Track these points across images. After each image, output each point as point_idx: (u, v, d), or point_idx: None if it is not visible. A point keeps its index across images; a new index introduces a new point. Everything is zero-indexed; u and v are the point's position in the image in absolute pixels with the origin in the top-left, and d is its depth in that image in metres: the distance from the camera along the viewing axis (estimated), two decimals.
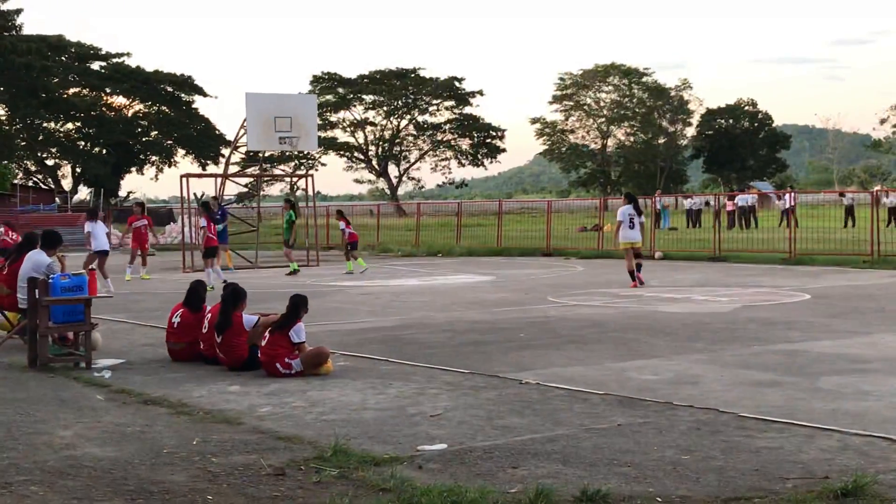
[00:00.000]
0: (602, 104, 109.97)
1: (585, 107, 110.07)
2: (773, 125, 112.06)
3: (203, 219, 23.75)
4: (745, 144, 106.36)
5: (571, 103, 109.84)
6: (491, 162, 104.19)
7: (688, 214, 51.08)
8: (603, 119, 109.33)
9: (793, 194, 36.40)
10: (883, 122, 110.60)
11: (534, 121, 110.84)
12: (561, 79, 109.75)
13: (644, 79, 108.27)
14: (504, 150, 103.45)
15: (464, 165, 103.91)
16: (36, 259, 12.64)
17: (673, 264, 27.99)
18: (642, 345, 12.63)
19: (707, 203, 50.10)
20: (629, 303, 17.85)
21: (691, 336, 13.37)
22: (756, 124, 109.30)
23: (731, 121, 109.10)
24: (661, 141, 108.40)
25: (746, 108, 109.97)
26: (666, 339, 13.06)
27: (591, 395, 9.34)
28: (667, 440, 7.57)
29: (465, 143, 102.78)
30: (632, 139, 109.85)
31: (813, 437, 7.62)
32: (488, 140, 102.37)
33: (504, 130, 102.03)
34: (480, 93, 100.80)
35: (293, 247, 27.47)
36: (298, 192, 47.46)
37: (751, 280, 22.35)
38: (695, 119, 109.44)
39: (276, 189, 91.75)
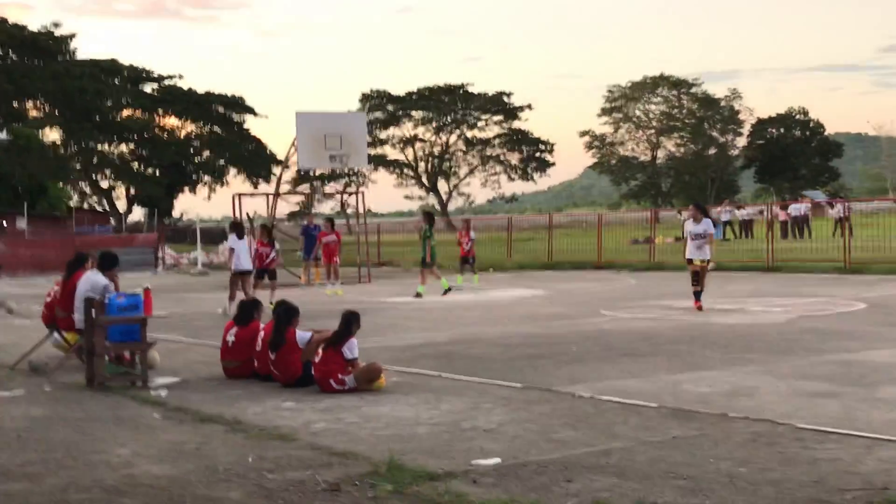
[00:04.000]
0: (651, 116, 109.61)
1: (634, 119, 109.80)
2: (825, 134, 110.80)
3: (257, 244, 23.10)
4: (797, 154, 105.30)
5: (620, 115, 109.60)
6: (540, 176, 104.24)
7: (740, 225, 50.65)
8: (652, 131, 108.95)
9: (846, 204, 35.95)
10: None
11: (583, 134, 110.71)
12: (610, 91, 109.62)
13: (693, 89, 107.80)
14: (553, 164, 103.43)
15: (513, 180, 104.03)
16: (92, 280, 12.81)
17: (726, 275, 27.71)
18: (696, 357, 12.53)
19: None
20: (683, 315, 17.72)
21: (746, 347, 13.24)
22: (808, 133, 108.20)
23: (782, 130, 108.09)
24: (712, 152, 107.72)
25: (798, 116, 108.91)
26: (720, 351, 12.95)
27: (646, 407, 9.28)
28: (722, 452, 7.50)
29: (514, 158, 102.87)
30: (682, 150, 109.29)
31: (872, 447, 7.51)
32: (537, 154, 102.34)
33: (553, 144, 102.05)
34: (529, 107, 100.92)
35: (431, 265, 24.25)
36: (349, 210, 47.53)
37: (806, 290, 22.09)
38: (745, 129, 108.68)
39: (326, 207, 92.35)
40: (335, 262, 27.29)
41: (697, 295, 18.15)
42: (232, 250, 20.99)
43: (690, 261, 18.27)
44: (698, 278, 18.11)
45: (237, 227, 21.63)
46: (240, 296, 19.10)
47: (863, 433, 7.91)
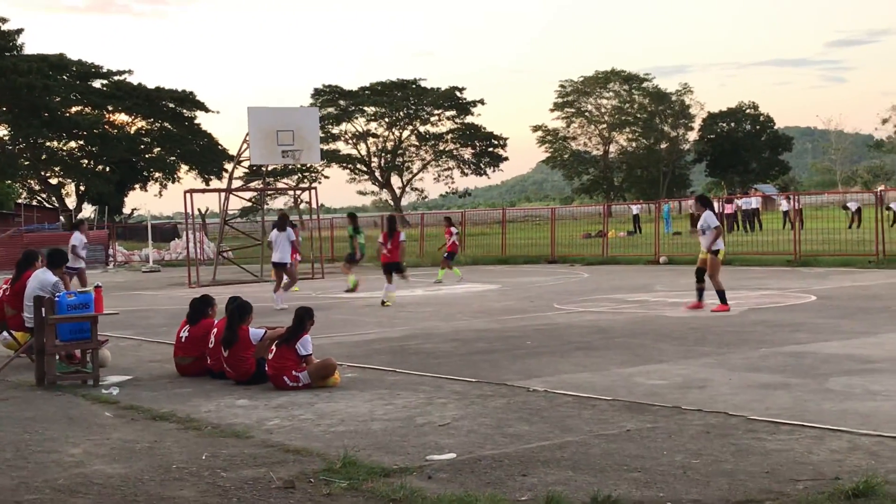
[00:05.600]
0: (603, 110, 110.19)
1: (587, 113, 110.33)
2: (775, 128, 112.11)
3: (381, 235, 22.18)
4: (747, 147, 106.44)
5: (573, 110, 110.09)
6: (493, 171, 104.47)
7: (691, 219, 51.04)
8: (604, 125, 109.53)
9: (796, 197, 36.37)
10: (885, 122, 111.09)
11: (535, 128, 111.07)
12: (562, 86, 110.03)
13: (644, 84, 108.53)
14: (506, 159, 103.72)
15: (466, 175, 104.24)
16: (42, 278, 12.65)
17: (678, 269, 27.96)
18: (649, 350, 12.61)
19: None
20: (636, 308, 17.84)
21: (698, 340, 13.35)
22: (758, 127, 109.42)
23: (732, 124, 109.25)
24: (664, 146, 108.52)
25: (748, 111, 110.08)
26: (673, 344, 13.05)
27: (600, 401, 9.33)
28: (676, 444, 7.55)
29: (467, 153, 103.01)
30: (634, 145, 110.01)
31: (823, 438, 7.60)
32: (490, 149, 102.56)
33: (506, 139, 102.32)
34: (481, 102, 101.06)
35: (353, 262, 25.86)
36: (302, 206, 47.23)
37: (756, 283, 22.31)
38: (696, 123, 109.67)
39: (279, 203, 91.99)
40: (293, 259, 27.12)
41: (698, 293, 17.05)
42: (270, 242, 21.37)
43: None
44: (701, 274, 17.05)
45: (280, 220, 21.90)
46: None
47: (814, 424, 8.00)
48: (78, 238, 22.25)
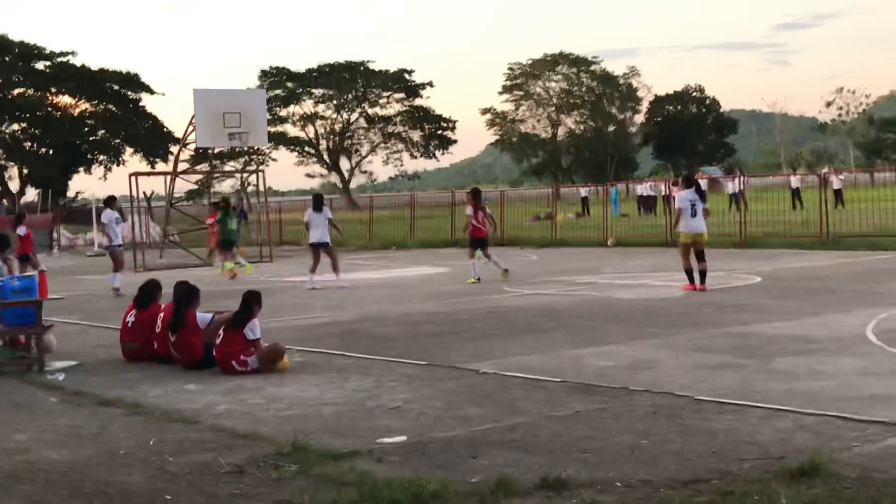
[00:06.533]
0: (551, 93, 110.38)
1: (535, 96, 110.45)
2: (721, 110, 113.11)
3: (469, 206, 21.42)
4: (693, 130, 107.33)
5: (521, 93, 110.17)
6: (443, 153, 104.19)
7: (639, 201, 51.37)
8: (553, 108, 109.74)
9: (742, 178, 36.71)
10: (829, 104, 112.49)
11: (484, 111, 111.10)
12: (510, 69, 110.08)
13: (592, 67, 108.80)
14: (455, 142, 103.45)
15: (416, 157, 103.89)
16: None
17: (626, 251, 28.14)
18: (598, 331, 12.70)
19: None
20: (584, 290, 17.93)
21: (646, 321, 13.46)
22: (704, 110, 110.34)
23: (679, 107, 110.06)
24: (611, 129, 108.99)
25: (694, 94, 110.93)
26: (621, 326, 13.14)
27: (549, 382, 9.37)
28: (624, 425, 7.61)
29: (416, 135, 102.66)
30: (582, 127, 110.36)
31: (768, 417, 7.70)
32: (439, 131, 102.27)
33: (455, 121, 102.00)
34: (430, 84, 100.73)
35: (230, 247, 25.55)
36: (249, 188, 46.92)
37: None
38: (644, 106, 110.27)
39: (226, 185, 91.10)
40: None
41: (688, 274, 16.99)
42: (307, 223, 21.08)
43: None
44: (699, 256, 16.95)
45: (315, 200, 21.70)
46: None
47: (759, 404, 8.10)
48: (108, 215, 21.95)
